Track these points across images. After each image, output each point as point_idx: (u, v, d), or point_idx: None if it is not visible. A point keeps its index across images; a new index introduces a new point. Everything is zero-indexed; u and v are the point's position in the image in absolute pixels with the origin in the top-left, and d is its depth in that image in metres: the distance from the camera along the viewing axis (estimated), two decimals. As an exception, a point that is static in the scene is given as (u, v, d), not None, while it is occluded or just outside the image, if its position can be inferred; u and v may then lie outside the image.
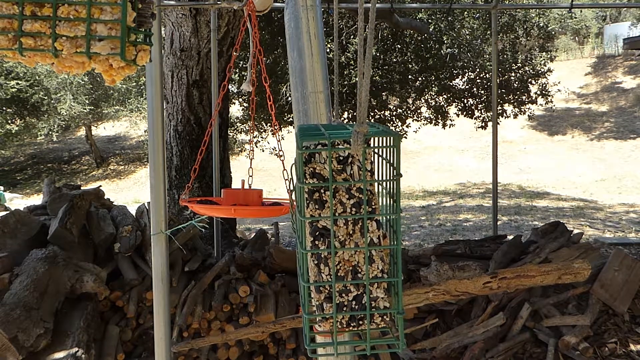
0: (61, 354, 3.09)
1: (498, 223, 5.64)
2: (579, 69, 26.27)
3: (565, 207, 10.84)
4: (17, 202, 13.94)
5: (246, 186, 2.44)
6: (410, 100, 10.25)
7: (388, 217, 0.90)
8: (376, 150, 0.89)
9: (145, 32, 0.94)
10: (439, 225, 9.05)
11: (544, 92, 10.49)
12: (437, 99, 10.44)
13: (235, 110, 11.21)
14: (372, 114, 9.53)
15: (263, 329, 1.35)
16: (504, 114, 10.13)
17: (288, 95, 8.70)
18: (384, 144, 0.88)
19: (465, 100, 10.20)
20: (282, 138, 3.10)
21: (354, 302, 0.85)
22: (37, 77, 15.98)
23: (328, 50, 7.72)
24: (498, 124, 5.69)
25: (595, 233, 7.82)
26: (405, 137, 10.43)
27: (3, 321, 2.97)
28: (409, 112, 10.37)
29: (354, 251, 0.85)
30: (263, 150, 10.80)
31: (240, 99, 10.00)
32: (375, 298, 0.85)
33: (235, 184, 6.05)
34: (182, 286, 3.87)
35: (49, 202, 4.39)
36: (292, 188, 1.02)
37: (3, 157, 21.15)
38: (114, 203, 4.70)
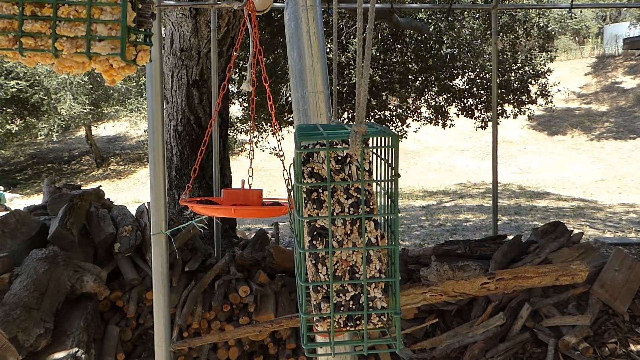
0: (61, 354, 3.09)
1: (498, 223, 5.64)
2: (579, 69, 26.28)
3: (565, 207, 10.84)
4: (17, 202, 13.95)
5: (246, 186, 2.44)
6: (410, 100, 10.26)
7: (386, 217, 0.90)
8: (374, 150, 0.89)
9: (145, 32, 0.95)
10: (439, 225, 9.05)
11: (543, 92, 10.50)
12: (437, 99, 10.45)
13: (235, 110, 11.22)
14: (372, 114, 9.53)
15: (261, 328, 1.35)
16: (504, 114, 10.13)
17: (288, 95, 8.70)
18: (382, 144, 0.89)
19: (465, 100, 10.21)
20: (282, 138, 3.10)
21: (351, 302, 0.85)
22: (37, 77, 15.99)
23: (328, 50, 7.73)
24: (498, 124, 5.69)
25: (595, 233, 7.82)
26: (405, 137, 10.43)
27: (3, 321, 2.97)
28: (409, 112, 10.38)
29: (351, 251, 0.85)
30: (263, 150, 10.81)
31: (240, 99, 10.01)
32: (372, 298, 0.85)
33: (235, 184, 6.05)
34: (182, 286, 3.87)
35: (49, 202, 4.39)
36: (291, 188, 1.03)
37: (3, 157, 21.15)
38: (114, 203, 4.70)
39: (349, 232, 0.85)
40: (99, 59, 0.89)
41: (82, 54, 0.87)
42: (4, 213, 4.43)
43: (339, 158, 0.85)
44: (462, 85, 10.34)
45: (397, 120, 10.16)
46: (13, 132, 18.16)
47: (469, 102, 10.21)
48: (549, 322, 3.81)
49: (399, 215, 0.86)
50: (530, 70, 10.25)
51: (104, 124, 22.20)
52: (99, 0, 0.86)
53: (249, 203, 2.27)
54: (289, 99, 8.67)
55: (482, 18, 10.11)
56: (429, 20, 9.33)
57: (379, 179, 0.90)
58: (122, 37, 0.86)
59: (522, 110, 10.35)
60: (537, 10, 10.37)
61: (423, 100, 10.46)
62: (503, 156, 17.58)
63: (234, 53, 2.60)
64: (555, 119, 22.04)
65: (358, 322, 0.86)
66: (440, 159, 19.52)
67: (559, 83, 13.53)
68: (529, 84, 10.17)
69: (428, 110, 10.63)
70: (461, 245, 4.44)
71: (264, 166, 17.01)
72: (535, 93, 10.42)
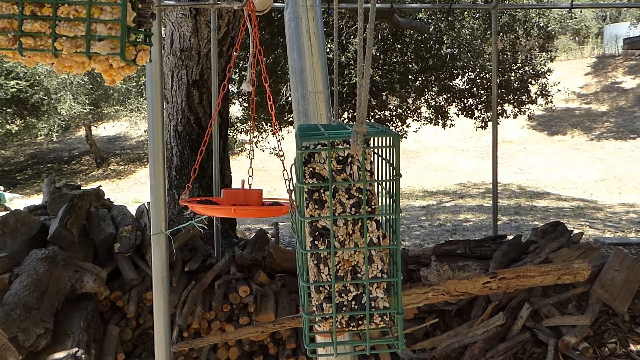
0: (61, 354, 3.09)
1: (498, 223, 5.64)
2: (579, 69, 26.29)
3: (565, 207, 10.84)
4: (17, 202, 13.94)
5: (246, 186, 2.44)
6: (410, 100, 10.25)
7: (387, 217, 0.90)
8: (376, 150, 0.89)
9: (145, 32, 0.94)
10: (439, 225, 9.05)
11: (544, 92, 10.50)
12: (437, 99, 10.44)
13: (235, 110, 11.21)
14: (372, 114, 9.53)
15: (263, 329, 1.35)
16: (504, 114, 10.13)
17: (288, 95, 8.70)
18: (384, 144, 0.88)
19: (465, 100, 10.20)
20: (282, 138, 3.10)
21: (353, 302, 0.85)
22: (37, 77, 15.99)
23: (328, 50, 7.72)
24: (498, 124, 5.69)
25: (595, 233, 7.82)
26: (405, 137, 10.43)
27: (3, 321, 2.97)
28: (409, 112, 10.37)
29: (353, 251, 0.85)
30: (263, 150, 10.81)
31: (240, 99, 10.01)
32: (374, 298, 0.85)
33: (235, 184, 6.05)
34: (182, 286, 3.87)
35: (49, 202, 4.39)
36: (292, 188, 1.02)
37: (3, 157, 21.15)
38: (114, 203, 4.69)
39: (350, 232, 0.84)
40: (98, 59, 0.89)
41: (81, 54, 0.86)
42: (4, 213, 4.42)
43: (341, 158, 0.84)
44: (462, 85, 10.33)
45: (397, 120, 10.15)
46: (13, 132, 18.16)
47: (469, 102, 10.21)
48: (549, 322, 3.81)
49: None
50: (530, 70, 10.24)
51: (104, 124, 22.22)
52: (99, 0, 0.86)
53: (249, 203, 2.26)
54: (289, 99, 8.67)
55: (482, 18, 10.10)
56: (429, 20, 9.32)
57: (380, 178, 0.89)
58: (122, 37, 0.86)
59: (522, 110, 10.34)
60: (537, 10, 10.37)
61: (423, 100, 10.46)
62: (503, 156, 17.58)
63: (234, 53, 2.60)
64: (555, 119, 22.05)
65: (360, 322, 0.85)
66: (440, 159, 19.52)
67: (559, 83, 13.53)
68: (529, 84, 10.16)
69: (428, 110, 10.62)
70: (461, 245, 4.44)
71: (264, 166, 17.01)
72: (535, 93, 10.41)
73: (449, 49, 9.84)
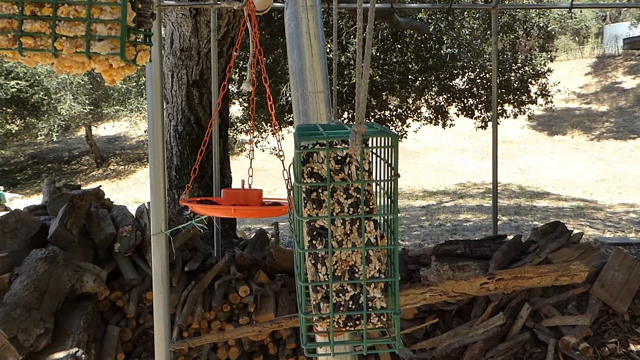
0: (61, 354, 3.09)
1: (498, 223, 5.64)
2: (579, 69, 26.29)
3: (565, 207, 10.84)
4: (17, 202, 13.94)
5: (246, 186, 2.44)
6: (410, 100, 10.26)
7: (385, 217, 0.90)
8: (374, 150, 0.89)
9: (145, 32, 0.95)
10: (439, 225, 9.05)
11: (544, 92, 10.50)
12: (437, 99, 10.45)
13: (235, 110, 11.22)
14: (372, 113, 9.53)
15: (260, 328, 1.35)
16: (504, 114, 10.13)
17: (288, 95, 8.70)
18: (382, 144, 0.89)
19: (465, 100, 10.21)
20: (282, 138, 3.10)
21: (350, 302, 0.85)
22: (37, 77, 16.00)
23: (328, 50, 7.72)
24: (498, 124, 5.69)
25: (595, 233, 7.82)
26: (405, 137, 10.43)
27: (3, 321, 2.97)
28: (409, 112, 10.38)
29: (351, 251, 0.85)
30: (263, 150, 10.81)
31: (240, 99, 10.01)
32: (372, 298, 0.85)
33: (235, 184, 6.05)
34: (182, 286, 3.87)
35: (49, 202, 4.39)
36: (291, 188, 1.03)
37: (3, 157, 21.15)
38: (114, 203, 4.69)
39: (348, 232, 0.85)
40: (98, 59, 0.89)
41: (81, 54, 0.87)
42: (4, 213, 4.43)
43: (339, 158, 0.85)
44: (462, 85, 10.33)
45: (397, 120, 10.16)
46: (13, 132, 18.17)
47: (469, 102, 10.21)
48: (549, 322, 3.81)
49: (399, 215, 0.86)
50: (530, 70, 10.25)
51: (104, 124, 22.23)
52: (99, 0, 0.86)
53: (249, 203, 2.26)
54: (289, 99, 8.67)
55: (482, 18, 10.11)
56: (429, 20, 9.33)
57: (378, 179, 0.90)
58: (122, 37, 0.86)
59: (522, 110, 10.35)
60: (537, 10, 10.37)
61: (423, 100, 10.46)
62: (503, 156, 17.58)
63: (234, 53, 2.60)
64: (555, 119, 22.05)
65: (357, 322, 0.85)
66: (440, 159, 19.52)
67: (559, 83, 13.52)
68: (529, 84, 10.16)
69: (428, 110, 10.63)
70: (461, 245, 4.43)
71: (264, 166, 17.01)
72: (535, 93, 10.41)
73: (449, 49, 9.85)
